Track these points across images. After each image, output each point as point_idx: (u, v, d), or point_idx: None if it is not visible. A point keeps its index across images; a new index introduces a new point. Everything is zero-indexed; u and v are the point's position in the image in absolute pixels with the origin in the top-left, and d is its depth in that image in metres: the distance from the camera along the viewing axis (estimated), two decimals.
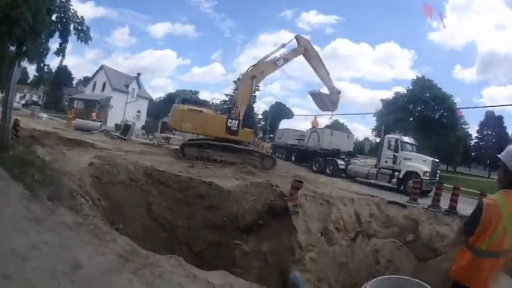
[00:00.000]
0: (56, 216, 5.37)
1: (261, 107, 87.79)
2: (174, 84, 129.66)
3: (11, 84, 9.75)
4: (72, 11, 8.49)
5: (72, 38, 8.77)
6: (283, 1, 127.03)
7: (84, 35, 8.68)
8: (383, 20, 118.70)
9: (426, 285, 3.90)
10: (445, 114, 50.75)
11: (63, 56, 8.85)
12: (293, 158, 32.26)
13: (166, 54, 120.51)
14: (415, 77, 58.69)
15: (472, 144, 61.49)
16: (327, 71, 23.96)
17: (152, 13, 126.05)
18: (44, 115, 35.98)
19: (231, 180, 13.20)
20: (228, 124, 20.40)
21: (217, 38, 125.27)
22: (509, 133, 59.00)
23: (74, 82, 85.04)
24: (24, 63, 9.15)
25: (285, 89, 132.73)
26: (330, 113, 27.53)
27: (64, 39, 8.65)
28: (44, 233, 4.64)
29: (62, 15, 8.37)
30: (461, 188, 15.27)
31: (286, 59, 22.81)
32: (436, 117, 50.95)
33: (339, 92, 24.87)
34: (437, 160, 22.88)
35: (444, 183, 16.84)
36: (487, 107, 70.17)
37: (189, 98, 38.61)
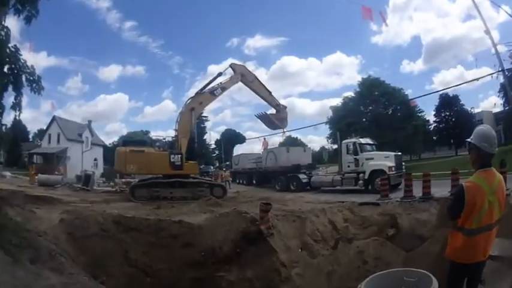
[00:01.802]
0: (43, 280, 5.23)
1: (212, 136, 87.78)
2: (129, 128, 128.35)
3: None
4: (22, 61, 8.01)
5: (26, 90, 8.43)
6: (229, 30, 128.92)
7: (36, 85, 8.25)
8: (327, 33, 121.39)
9: (416, 269, 3.93)
10: (398, 108, 51.60)
11: (20, 110, 8.14)
12: (254, 182, 32.39)
13: (118, 98, 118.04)
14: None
15: (431, 129, 62.63)
16: (269, 90, 23.98)
17: (102, 58, 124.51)
18: (8, 173, 35.06)
19: (199, 215, 13.09)
20: (172, 160, 20.14)
21: (166, 75, 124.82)
22: (468, 109, 60.90)
23: (30, 136, 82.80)
24: None
25: (236, 115, 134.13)
26: (281, 130, 27.35)
27: (18, 91, 8.09)
28: None
29: (13, 66, 7.86)
30: (432, 173, 15.46)
31: (223, 88, 22.68)
32: (390, 112, 51.81)
33: (285, 108, 24.96)
34: (399, 153, 23.32)
35: (411, 173, 17.04)
36: (438, 91, 72.41)
37: (129, 139, 38.29)
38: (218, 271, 10.04)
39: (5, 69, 7.86)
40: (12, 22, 8.43)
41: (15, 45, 8.00)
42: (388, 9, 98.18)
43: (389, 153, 22.63)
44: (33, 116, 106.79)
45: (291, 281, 9.45)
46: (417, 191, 14.33)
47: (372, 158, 22.00)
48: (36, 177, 27.77)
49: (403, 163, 24.21)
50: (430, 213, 11.39)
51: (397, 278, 4.11)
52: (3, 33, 7.33)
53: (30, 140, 79.79)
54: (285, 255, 9.97)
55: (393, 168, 20.59)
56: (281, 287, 9.31)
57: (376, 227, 11.85)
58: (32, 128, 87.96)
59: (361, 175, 21.88)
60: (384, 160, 21.37)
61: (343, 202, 14.73)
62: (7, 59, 7.79)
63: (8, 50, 7.76)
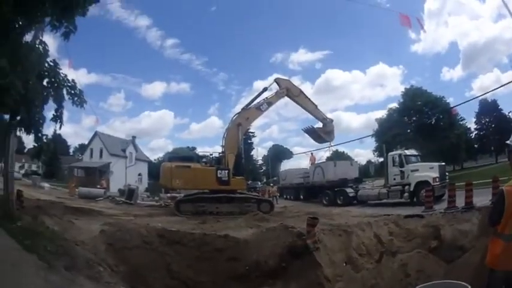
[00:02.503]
0: (77, 286, 5.31)
1: (260, 152, 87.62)
2: (174, 144, 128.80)
3: (9, 154, 9.63)
4: (62, 74, 8.34)
5: (67, 104, 8.61)
6: (272, 45, 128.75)
7: (78, 99, 8.43)
8: (368, 44, 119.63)
9: (454, 281, 3.94)
10: (441, 116, 50.49)
11: (61, 123, 8.56)
12: (301, 197, 32.03)
13: (163, 115, 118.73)
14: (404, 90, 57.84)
15: (472, 137, 61.03)
16: (314, 104, 24.13)
17: (144, 75, 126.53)
18: (46, 185, 35.52)
19: (245, 229, 13.20)
20: (218, 175, 20.36)
21: (212, 92, 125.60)
22: (507, 114, 57.84)
23: (71, 150, 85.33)
24: (21, 133, 8.82)
25: (283, 131, 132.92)
26: (328, 144, 27.42)
27: (59, 104, 8.43)
28: None
29: (53, 79, 8.18)
30: (474, 182, 15.23)
31: (269, 103, 22.91)
32: (433, 122, 50.77)
33: (332, 121, 25.00)
34: (443, 163, 22.89)
35: (455, 183, 16.73)
36: (477, 97, 69.36)
37: (175, 154, 38.56)
38: (262, 285, 10.00)
39: (45, 83, 8.15)
40: (50, 40, 8.71)
41: (54, 60, 8.23)
42: (424, 15, 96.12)
43: (433, 163, 22.32)
44: (74, 130, 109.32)
45: None
46: (460, 200, 14.15)
47: (417, 170, 21.74)
48: (77, 189, 28.37)
49: (447, 173, 23.81)
50: (472, 224, 11.10)
51: None
52: (41, 47, 7.59)
53: (71, 154, 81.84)
54: (330, 269, 9.86)
55: (437, 179, 20.30)
56: None
57: (420, 239, 11.65)
58: (73, 142, 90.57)
59: (406, 187, 21.60)
60: (429, 171, 21.11)
61: (389, 215, 14.63)
62: (46, 73, 8.06)
63: (46, 64, 8.03)
